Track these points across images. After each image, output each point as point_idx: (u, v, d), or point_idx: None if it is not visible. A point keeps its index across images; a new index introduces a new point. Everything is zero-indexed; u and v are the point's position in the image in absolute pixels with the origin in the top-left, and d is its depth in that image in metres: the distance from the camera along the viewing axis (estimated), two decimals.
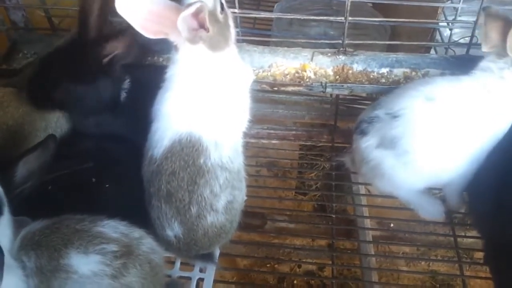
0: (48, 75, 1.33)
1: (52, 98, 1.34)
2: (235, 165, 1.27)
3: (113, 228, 1.09)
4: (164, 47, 1.72)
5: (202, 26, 1.15)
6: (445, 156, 1.37)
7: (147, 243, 1.13)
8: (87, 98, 1.36)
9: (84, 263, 1.02)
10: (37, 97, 1.36)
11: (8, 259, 0.95)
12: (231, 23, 1.26)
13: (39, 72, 1.35)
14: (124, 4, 1.11)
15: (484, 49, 1.39)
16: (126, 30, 1.39)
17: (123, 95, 1.44)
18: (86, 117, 1.42)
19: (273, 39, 2.12)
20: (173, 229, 1.25)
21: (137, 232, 1.13)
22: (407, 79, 1.66)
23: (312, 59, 1.72)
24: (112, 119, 1.44)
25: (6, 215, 1.02)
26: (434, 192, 1.64)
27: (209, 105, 1.22)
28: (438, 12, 1.73)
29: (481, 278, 1.54)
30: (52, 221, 1.08)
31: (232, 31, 1.27)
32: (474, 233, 1.63)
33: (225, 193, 1.25)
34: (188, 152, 1.19)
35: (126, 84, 1.44)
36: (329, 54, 1.72)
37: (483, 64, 1.38)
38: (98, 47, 1.31)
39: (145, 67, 1.61)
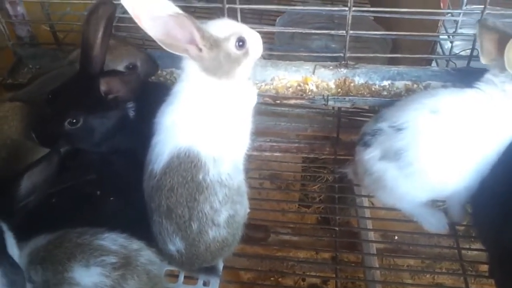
0: (55, 114, 1.33)
1: (63, 136, 1.34)
2: (235, 182, 1.26)
3: (112, 241, 1.12)
4: (167, 61, 1.75)
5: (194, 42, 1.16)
6: (450, 168, 1.37)
7: (146, 255, 1.14)
8: (98, 131, 1.37)
9: (86, 276, 1.04)
10: (47, 136, 1.34)
11: None
12: (247, 64, 1.25)
13: (46, 112, 1.34)
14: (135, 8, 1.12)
15: (483, 61, 1.40)
16: (129, 72, 1.45)
17: (132, 113, 1.45)
18: (98, 146, 1.42)
19: (275, 53, 2.14)
20: (175, 244, 1.25)
21: (136, 244, 1.15)
22: (409, 91, 1.67)
23: (314, 72, 1.73)
24: (123, 138, 1.44)
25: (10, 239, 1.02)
26: (437, 204, 1.63)
27: (211, 124, 1.22)
28: (439, 25, 1.74)
29: None
30: (55, 236, 1.10)
31: (243, 72, 1.26)
32: (478, 245, 1.61)
33: (225, 207, 1.24)
34: (187, 168, 1.19)
35: (131, 104, 1.45)
36: (331, 67, 1.74)
37: (486, 77, 1.39)
38: (101, 84, 1.33)
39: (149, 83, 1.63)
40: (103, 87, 1.32)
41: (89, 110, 1.34)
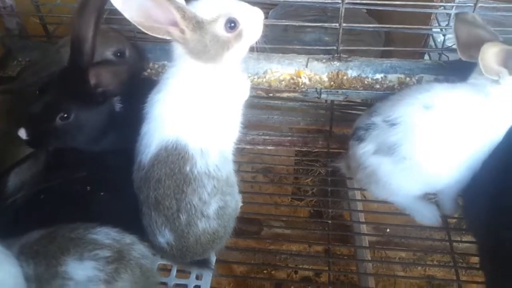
0: (46, 109, 1.28)
1: (53, 133, 1.29)
2: (224, 173, 1.24)
3: (105, 235, 1.12)
4: (159, 54, 1.74)
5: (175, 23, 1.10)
6: (443, 162, 1.37)
7: (138, 249, 1.15)
8: (88, 127, 1.34)
9: (79, 269, 1.04)
10: (38, 134, 1.28)
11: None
12: (239, 48, 1.18)
13: (35, 107, 1.29)
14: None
15: (462, 57, 1.41)
16: (119, 62, 1.40)
17: (118, 106, 1.42)
18: (87, 145, 1.38)
19: (268, 46, 2.13)
20: (164, 236, 1.25)
21: (128, 238, 1.15)
22: (402, 84, 1.68)
23: (307, 65, 1.73)
24: (112, 134, 1.41)
25: None
26: (429, 197, 1.64)
27: (198, 113, 1.19)
28: (432, 18, 1.74)
29: (477, 283, 1.54)
30: (48, 231, 1.10)
31: (233, 56, 1.20)
32: (469, 238, 1.63)
33: (215, 199, 1.23)
34: (174, 160, 1.17)
35: (117, 102, 1.42)
36: (324, 60, 1.73)
37: (472, 76, 1.39)
38: (91, 76, 1.29)
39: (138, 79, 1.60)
40: (92, 80, 1.29)
41: (81, 104, 1.31)
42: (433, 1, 1.74)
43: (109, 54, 1.51)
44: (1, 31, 1.84)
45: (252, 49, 1.26)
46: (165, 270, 1.44)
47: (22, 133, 1.25)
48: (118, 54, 1.52)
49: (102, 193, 1.31)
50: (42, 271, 1.03)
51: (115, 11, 1.09)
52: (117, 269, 1.07)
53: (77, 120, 1.31)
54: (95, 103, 1.33)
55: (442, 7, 1.79)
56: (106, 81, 1.31)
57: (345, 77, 1.71)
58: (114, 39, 1.52)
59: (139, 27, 1.10)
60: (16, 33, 1.90)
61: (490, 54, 1.26)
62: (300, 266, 2.11)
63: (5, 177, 1.08)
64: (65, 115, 1.28)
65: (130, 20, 1.09)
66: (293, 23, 2.18)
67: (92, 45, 1.29)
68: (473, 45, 1.37)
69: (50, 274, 1.03)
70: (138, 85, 1.43)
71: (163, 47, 1.71)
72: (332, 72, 1.72)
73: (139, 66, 1.61)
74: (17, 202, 1.10)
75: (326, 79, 1.71)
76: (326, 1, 1.77)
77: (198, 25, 1.12)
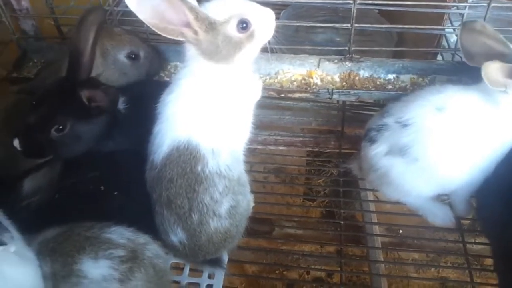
0: (41, 121, 1.28)
1: (49, 144, 1.29)
2: (235, 173, 1.25)
3: (120, 234, 1.14)
4: (172, 55, 1.75)
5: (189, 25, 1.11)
6: (455, 164, 1.37)
7: (152, 249, 1.17)
8: (84, 138, 1.34)
9: (94, 268, 1.06)
10: (33, 146, 1.29)
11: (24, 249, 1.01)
12: (251, 49, 1.19)
13: (30, 119, 1.29)
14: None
15: (469, 63, 1.39)
16: (108, 86, 1.38)
17: (123, 108, 1.42)
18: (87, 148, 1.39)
19: (280, 46, 2.13)
20: (177, 235, 1.26)
21: (142, 238, 1.17)
22: (414, 85, 1.67)
23: (318, 66, 1.72)
24: (122, 134, 1.43)
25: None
26: (442, 198, 1.63)
27: (210, 113, 1.20)
28: (444, 18, 1.73)
29: (491, 285, 1.52)
30: (64, 229, 1.12)
31: (244, 57, 1.20)
32: (483, 239, 1.62)
33: (226, 198, 1.24)
34: (186, 160, 1.18)
35: (122, 102, 1.43)
36: (336, 61, 1.73)
37: (483, 81, 1.38)
38: (83, 94, 1.30)
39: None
40: (85, 96, 1.31)
41: (76, 116, 1.31)
42: (446, 1, 1.73)
43: (121, 56, 1.52)
44: (17, 32, 1.87)
45: (263, 50, 1.26)
46: (178, 268, 1.45)
47: (17, 144, 1.26)
48: (133, 56, 1.53)
49: (115, 193, 1.33)
50: (58, 269, 1.05)
51: (128, 13, 1.10)
52: (131, 268, 1.09)
53: (73, 132, 1.31)
54: (91, 115, 1.34)
55: (455, 7, 1.77)
56: (98, 98, 1.32)
57: (357, 78, 1.70)
58: (126, 41, 1.53)
59: (153, 28, 1.11)
60: (32, 34, 1.93)
61: (492, 71, 1.25)
62: (312, 267, 2.11)
63: (20, 180, 1.11)
64: (61, 127, 1.29)
65: (145, 21, 1.10)
66: (305, 24, 2.18)
67: (90, 59, 1.30)
68: (479, 54, 1.36)
69: (65, 271, 1.05)
70: (149, 86, 1.44)
71: (175, 48, 1.72)
72: (344, 73, 1.71)
73: (155, 66, 1.62)
74: (32, 205, 1.12)
75: (338, 80, 1.70)
76: (338, 1, 1.77)
77: (211, 26, 1.13)
